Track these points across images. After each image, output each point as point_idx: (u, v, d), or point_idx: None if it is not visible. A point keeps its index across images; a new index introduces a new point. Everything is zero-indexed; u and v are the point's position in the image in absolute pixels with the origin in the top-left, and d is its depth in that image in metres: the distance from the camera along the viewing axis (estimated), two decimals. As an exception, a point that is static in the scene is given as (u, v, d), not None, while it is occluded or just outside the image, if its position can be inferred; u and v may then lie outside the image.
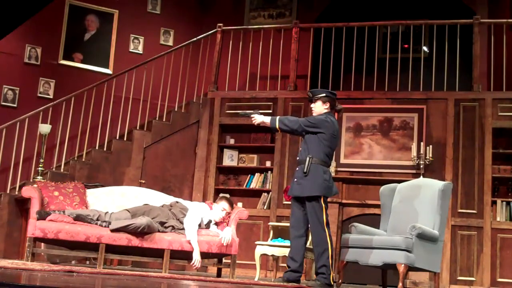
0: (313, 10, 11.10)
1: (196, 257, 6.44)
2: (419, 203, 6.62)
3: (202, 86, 10.21)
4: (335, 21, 10.01)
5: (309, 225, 6.24)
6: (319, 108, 6.36)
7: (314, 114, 6.40)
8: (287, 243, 6.83)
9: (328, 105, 6.35)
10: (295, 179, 6.29)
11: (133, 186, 8.69)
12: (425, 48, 10.12)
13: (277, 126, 6.29)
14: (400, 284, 6.12)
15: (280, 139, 9.30)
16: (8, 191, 8.93)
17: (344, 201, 8.96)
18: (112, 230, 6.38)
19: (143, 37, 11.09)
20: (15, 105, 9.99)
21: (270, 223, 8.06)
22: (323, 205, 6.13)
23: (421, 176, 8.40)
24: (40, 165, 8.55)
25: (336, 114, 6.61)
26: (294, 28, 9.87)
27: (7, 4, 10.30)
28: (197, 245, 6.48)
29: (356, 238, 6.55)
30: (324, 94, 6.37)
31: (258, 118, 6.45)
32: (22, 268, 5.02)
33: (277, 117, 6.42)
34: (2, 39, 10.05)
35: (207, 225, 6.85)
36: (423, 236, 6.21)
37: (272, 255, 7.41)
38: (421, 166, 8.72)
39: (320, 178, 6.13)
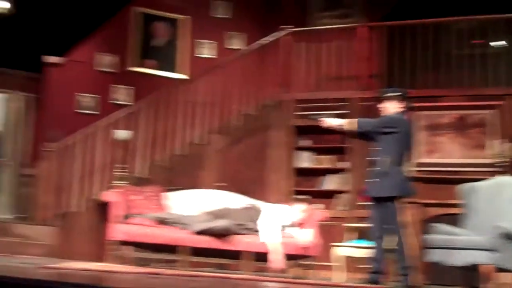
0: (382, 7, 10.95)
1: (275, 259, 6.47)
2: (502, 202, 6.47)
3: (273, 88, 10.23)
4: (407, 17, 9.81)
5: (386, 226, 6.20)
6: (391, 107, 6.31)
7: (386, 114, 6.34)
8: (367, 244, 6.78)
9: (400, 104, 6.30)
10: (370, 180, 6.26)
11: (211, 189, 8.81)
12: (503, 43, 9.84)
13: (347, 128, 6.24)
14: (485, 285, 5.99)
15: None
16: (92, 196, 9.18)
17: (422, 201, 8.78)
18: (193, 233, 6.49)
19: (213, 42, 11.22)
20: (92, 112, 10.29)
21: (349, 224, 8.01)
22: (400, 205, 6.10)
23: (499, 175, 8.17)
24: (121, 170, 8.75)
25: (408, 112, 6.55)
26: (364, 27, 9.76)
27: (77, 14, 10.64)
28: (275, 247, 6.51)
29: (438, 239, 6.44)
30: (395, 93, 6.33)
31: (328, 121, 6.43)
32: (108, 271, 5.17)
33: (347, 120, 6.36)
34: (74, 47, 10.43)
35: (285, 227, 6.87)
36: (508, 236, 6.05)
37: (352, 257, 7.37)
38: (500, 164, 8.48)
39: (396, 178, 6.10)
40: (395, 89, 6.60)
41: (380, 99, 6.43)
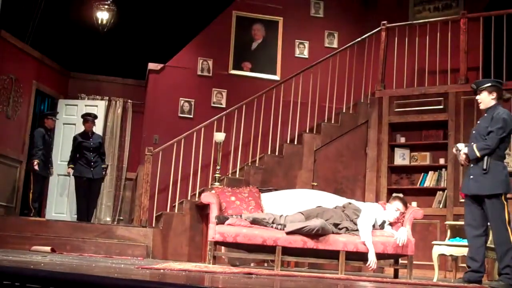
0: (483, -4, 10.58)
1: (372, 258, 6.40)
2: None
3: (369, 85, 10.12)
4: (508, 7, 9.44)
5: (489, 224, 6.01)
6: (486, 99, 6.18)
7: (481, 106, 6.21)
8: (466, 242, 6.58)
9: (495, 95, 6.15)
10: (471, 176, 6.08)
11: (306, 188, 8.83)
12: None
13: (478, 155, 6.03)
14: None
15: (453, 134, 8.97)
16: (189, 198, 9.41)
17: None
18: (288, 233, 6.52)
19: (307, 42, 11.23)
20: (191, 116, 10.54)
21: (447, 222, 7.82)
22: (504, 202, 5.91)
23: None
24: (217, 172, 8.91)
25: (503, 103, 6.33)
26: (462, 19, 9.46)
27: (178, 21, 10.94)
28: (372, 246, 6.44)
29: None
30: (489, 84, 6.15)
31: (464, 150, 6.20)
32: (204, 271, 5.27)
33: (473, 146, 6.10)
34: (176, 53, 10.71)
35: (381, 226, 6.79)
36: None
37: (451, 255, 7.18)
38: None
39: (501, 175, 5.96)
40: (488, 79, 6.40)
41: (474, 92, 6.26)
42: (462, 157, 6.17)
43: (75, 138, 10.09)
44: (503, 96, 6.18)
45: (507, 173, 5.99)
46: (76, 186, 9.99)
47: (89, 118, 10.07)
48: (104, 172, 10.12)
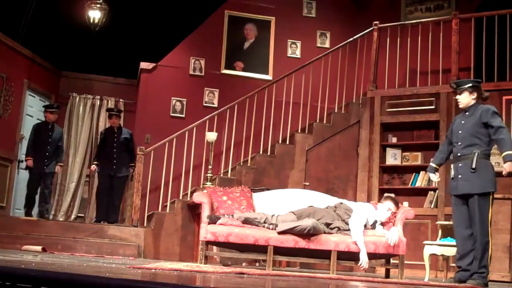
0: (474, -3, 10.62)
1: (363, 258, 6.40)
2: None
3: (361, 85, 10.13)
4: (499, 8, 9.47)
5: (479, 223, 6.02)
6: (466, 99, 6.22)
7: (461, 106, 6.24)
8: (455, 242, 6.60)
9: (475, 94, 6.21)
10: (460, 176, 6.08)
11: (297, 188, 8.83)
12: None
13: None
14: None
15: (445, 135, 8.98)
16: (180, 197, 9.40)
17: (517, 196, 8.45)
18: (279, 232, 6.51)
19: (300, 41, 11.24)
20: (183, 116, 10.53)
21: (438, 222, 7.84)
22: (491, 202, 5.95)
23: None
24: (209, 171, 8.91)
25: (483, 102, 6.37)
26: (454, 19, 9.49)
27: (170, 21, 10.92)
28: (363, 246, 6.44)
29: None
30: (470, 84, 6.19)
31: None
32: (196, 271, 5.25)
33: (504, 154, 5.94)
34: (168, 53, 10.69)
35: (373, 226, 6.79)
36: None
37: (442, 255, 7.20)
38: None
39: (490, 173, 6.00)
40: (468, 80, 6.44)
41: (454, 91, 6.31)
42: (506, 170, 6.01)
43: (100, 133, 9.99)
44: (482, 95, 6.25)
45: (494, 172, 6.03)
46: (98, 184, 9.77)
47: (113, 113, 9.84)
48: (132, 170, 9.67)
